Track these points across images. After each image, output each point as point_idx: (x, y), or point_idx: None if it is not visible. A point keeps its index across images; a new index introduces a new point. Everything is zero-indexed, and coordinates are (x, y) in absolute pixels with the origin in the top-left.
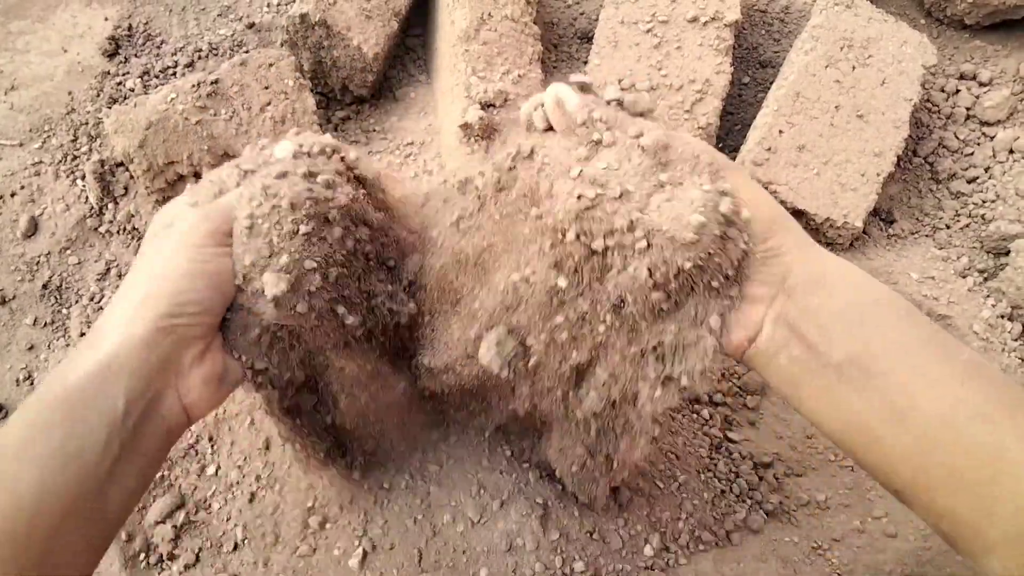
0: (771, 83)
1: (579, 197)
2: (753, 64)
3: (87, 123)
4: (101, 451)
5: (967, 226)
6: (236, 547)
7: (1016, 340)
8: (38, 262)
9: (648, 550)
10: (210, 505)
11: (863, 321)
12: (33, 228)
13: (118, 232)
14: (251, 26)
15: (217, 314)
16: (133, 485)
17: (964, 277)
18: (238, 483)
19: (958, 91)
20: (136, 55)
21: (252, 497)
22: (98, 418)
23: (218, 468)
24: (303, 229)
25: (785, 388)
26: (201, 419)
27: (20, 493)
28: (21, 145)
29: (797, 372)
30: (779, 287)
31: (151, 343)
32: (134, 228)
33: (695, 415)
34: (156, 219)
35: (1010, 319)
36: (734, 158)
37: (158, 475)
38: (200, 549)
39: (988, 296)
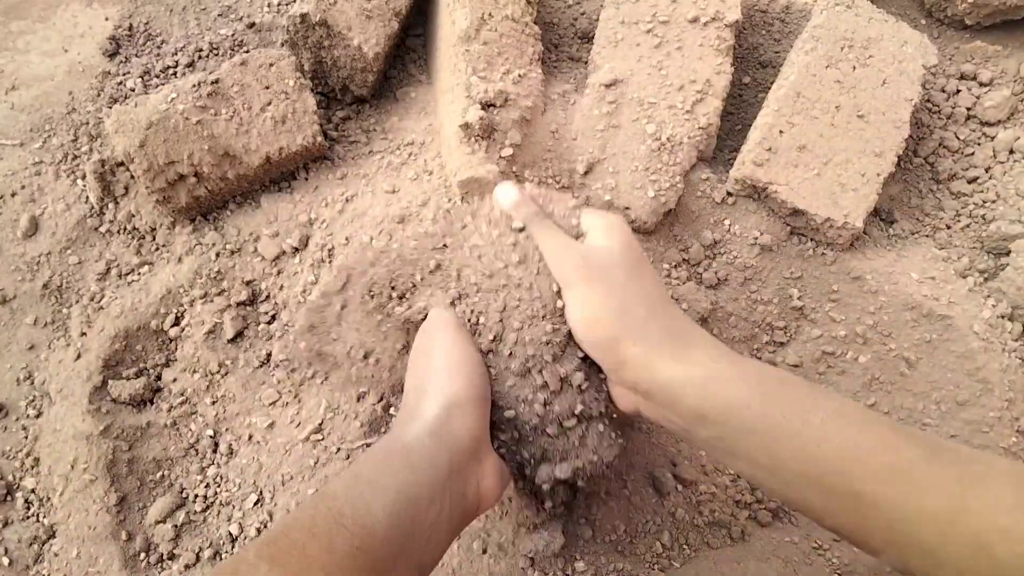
0: (771, 83)
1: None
2: (753, 64)
3: (88, 123)
4: (427, 503)
5: (967, 226)
6: (236, 547)
7: (1016, 340)
8: (38, 262)
9: (648, 550)
10: (210, 505)
11: (713, 417)
12: (33, 228)
13: (119, 232)
14: (252, 26)
15: (489, 398)
16: (436, 549)
17: (964, 277)
18: (239, 484)
19: (958, 91)
20: (137, 55)
21: (255, 499)
22: (432, 472)
23: (219, 468)
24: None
25: (719, 456)
26: (484, 511)
27: (376, 518)
28: (22, 145)
29: (684, 439)
30: (635, 391)
31: (470, 420)
32: (134, 228)
33: None
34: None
35: (1010, 319)
36: (734, 158)
37: (158, 474)
38: (200, 549)
39: (988, 296)
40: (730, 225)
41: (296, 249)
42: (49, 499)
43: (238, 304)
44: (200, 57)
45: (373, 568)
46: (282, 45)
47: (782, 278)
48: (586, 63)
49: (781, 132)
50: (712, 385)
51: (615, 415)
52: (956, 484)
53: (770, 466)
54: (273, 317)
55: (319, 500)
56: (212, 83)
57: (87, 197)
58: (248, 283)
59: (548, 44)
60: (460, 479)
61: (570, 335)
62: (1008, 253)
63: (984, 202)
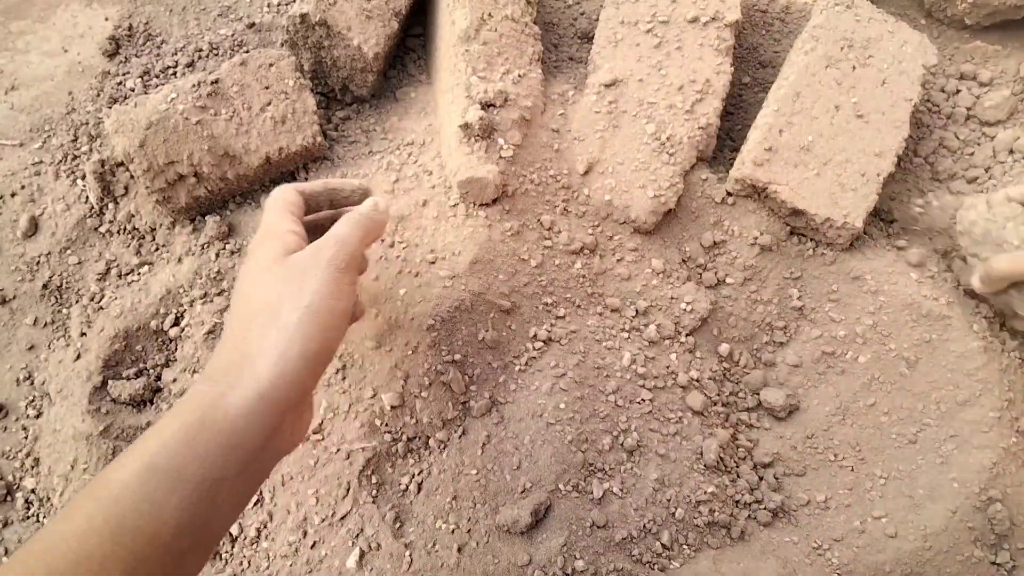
0: (771, 83)
1: None
2: (753, 64)
3: (87, 123)
4: (233, 479)
5: None
6: (235, 547)
7: (1016, 340)
8: (38, 262)
9: (648, 549)
10: None
11: None
12: (33, 228)
13: (118, 232)
14: (251, 26)
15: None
16: (234, 515)
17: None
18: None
19: (958, 91)
20: (136, 55)
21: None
22: (250, 446)
23: None
24: None
25: None
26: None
27: (165, 519)
28: (21, 145)
29: None
30: None
31: (301, 378)
32: (134, 228)
33: (696, 415)
34: (267, 243)
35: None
36: (734, 158)
37: None
38: None
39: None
40: (730, 225)
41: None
42: (49, 499)
43: None
44: (200, 57)
45: (154, 573)
46: (282, 45)
47: (782, 278)
48: (586, 63)
49: (781, 132)
50: None
51: None
52: None
53: None
54: None
55: (98, 501)
56: (212, 83)
57: (87, 197)
58: None
59: (548, 44)
60: (277, 439)
61: None
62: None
63: None
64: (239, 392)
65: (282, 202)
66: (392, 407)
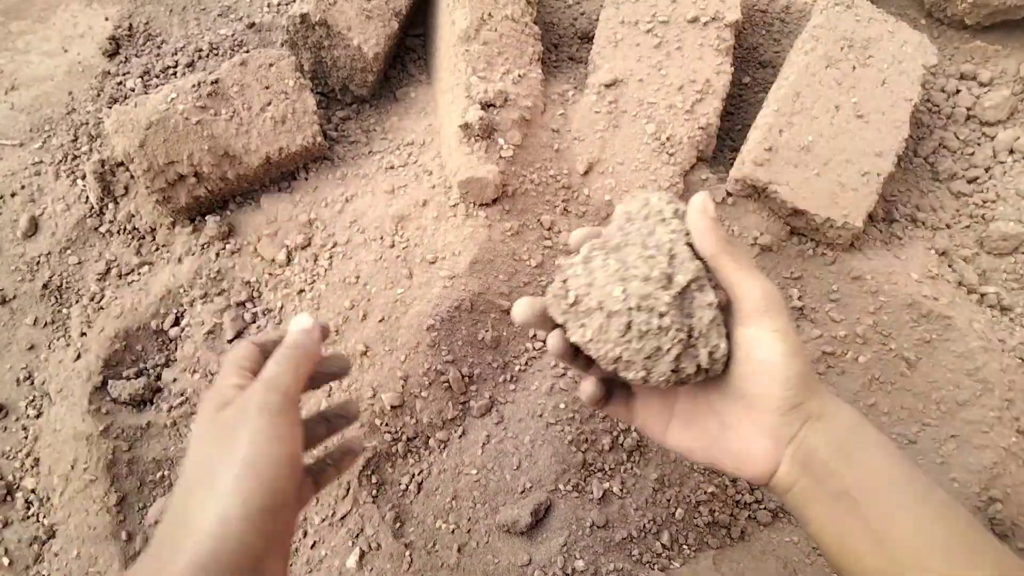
0: (771, 83)
1: None
2: (753, 64)
3: (87, 123)
4: None
5: (968, 226)
6: None
7: (1016, 340)
8: (38, 262)
9: (648, 549)
10: None
11: (858, 460)
12: (33, 228)
13: (118, 232)
14: (251, 26)
15: (298, 506)
16: None
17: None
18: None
19: (958, 91)
20: (136, 55)
21: None
22: None
23: None
24: None
25: (796, 513)
26: None
27: None
28: (21, 145)
29: (805, 500)
30: (797, 431)
31: (251, 538)
32: (134, 228)
33: None
34: (206, 403)
35: (1010, 319)
36: (734, 158)
37: (158, 474)
38: None
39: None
40: (730, 225)
41: (296, 249)
42: (49, 499)
43: (238, 304)
44: (200, 57)
45: None
46: (282, 45)
47: (782, 278)
48: (586, 63)
49: (781, 132)
50: (865, 426)
51: None
52: None
53: (883, 532)
54: (273, 317)
55: None
56: (212, 83)
57: (87, 197)
58: (248, 283)
59: (548, 44)
60: None
61: None
62: (1009, 253)
63: (984, 202)
64: (178, 569)
65: (231, 358)
66: (392, 407)
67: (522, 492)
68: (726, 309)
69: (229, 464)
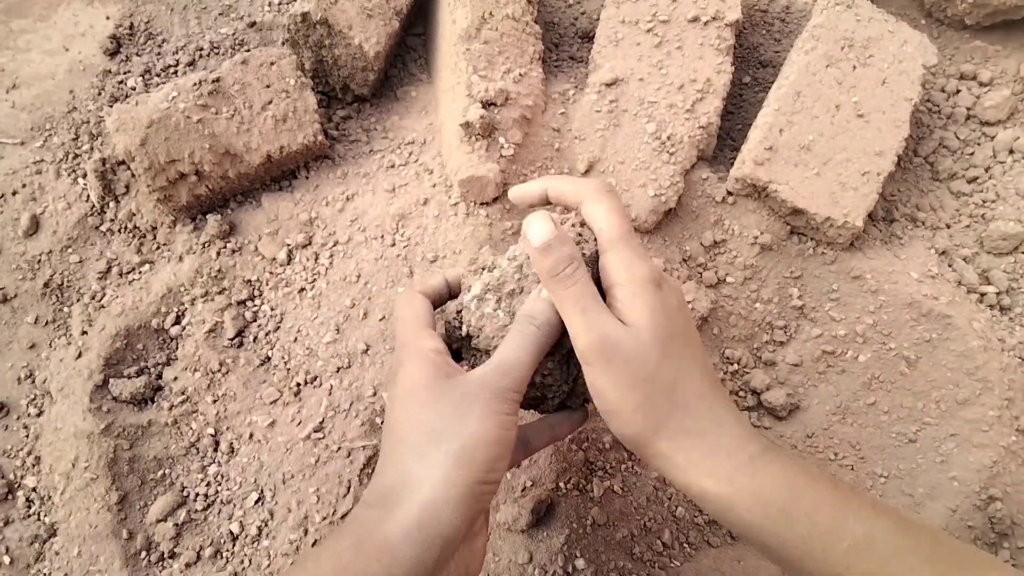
0: (771, 83)
1: None
2: (754, 64)
3: (88, 121)
4: None
5: (968, 226)
6: (236, 545)
7: (1016, 339)
8: (39, 260)
9: (648, 548)
10: (211, 503)
11: (736, 532)
12: (34, 226)
13: (119, 230)
14: (252, 25)
15: (500, 481)
16: None
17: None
18: (239, 483)
19: (958, 91)
20: (138, 54)
21: (256, 498)
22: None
23: (220, 467)
24: None
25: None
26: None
27: None
28: (22, 143)
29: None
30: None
31: (463, 509)
32: (135, 227)
33: None
34: (414, 365)
35: (1010, 319)
36: (735, 158)
37: (159, 472)
38: (201, 547)
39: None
40: (730, 224)
41: (297, 247)
42: (50, 498)
43: (239, 303)
44: (201, 56)
45: None
46: (283, 44)
47: (782, 277)
48: (586, 62)
49: (781, 131)
50: (735, 509)
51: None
52: None
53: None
54: (273, 316)
55: None
56: (213, 82)
57: (88, 196)
58: (249, 282)
59: (548, 43)
60: (446, 572)
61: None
62: (1009, 253)
63: (984, 202)
64: (398, 517)
65: (412, 316)
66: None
67: (523, 490)
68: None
69: (456, 435)
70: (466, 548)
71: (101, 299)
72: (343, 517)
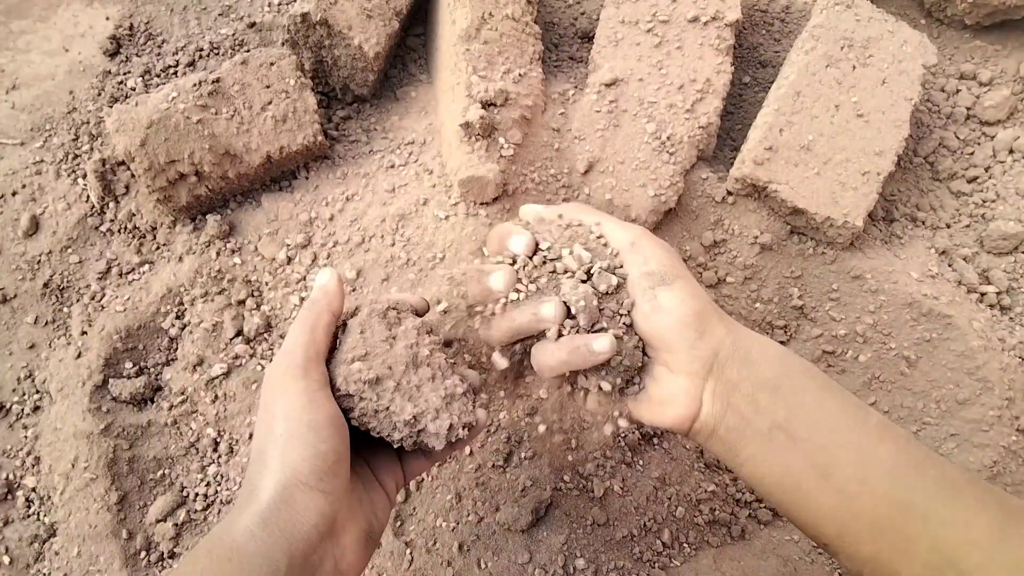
0: (771, 83)
1: None
2: (753, 64)
3: (88, 122)
4: None
5: (968, 226)
6: None
7: (1016, 339)
8: (39, 261)
9: (648, 548)
10: (211, 504)
11: (786, 391)
12: (34, 227)
13: (119, 231)
14: (252, 25)
15: (348, 459)
16: None
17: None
18: (239, 483)
19: (958, 91)
20: (137, 54)
21: None
22: (265, 573)
23: (219, 467)
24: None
25: (726, 456)
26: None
27: None
28: (22, 144)
29: (733, 440)
30: (712, 362)
31: (304, 502)
32: (135, 227)
33: None
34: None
35: (1010, 319)
36: (734, 157)
37: (159, 473)
38: None
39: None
40: (730, 224)
41: (297, 248)
42: (50, 498)
43: (238, 303)
44: (201, 56)
45: None
46: (283, 44)
47: (782, 277)
48: (586, 63)
49: (781, 131)
50: (791, 357)
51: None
52: (999, 510)
53: (825, 465)
54: (274, 315)
55: None
56: (213, 82)
57: (88, 196)
58: (248, 282)
59: (548, 44)
60: (306, 570)
61: None
62: (1009, 253)
63: (984, 201)
64: (243, 520)
65: (301, 346)
66: None
67: (522, 490)
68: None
69: (273, 444)
70: (331, 544)
71: (101, 299)
72: None
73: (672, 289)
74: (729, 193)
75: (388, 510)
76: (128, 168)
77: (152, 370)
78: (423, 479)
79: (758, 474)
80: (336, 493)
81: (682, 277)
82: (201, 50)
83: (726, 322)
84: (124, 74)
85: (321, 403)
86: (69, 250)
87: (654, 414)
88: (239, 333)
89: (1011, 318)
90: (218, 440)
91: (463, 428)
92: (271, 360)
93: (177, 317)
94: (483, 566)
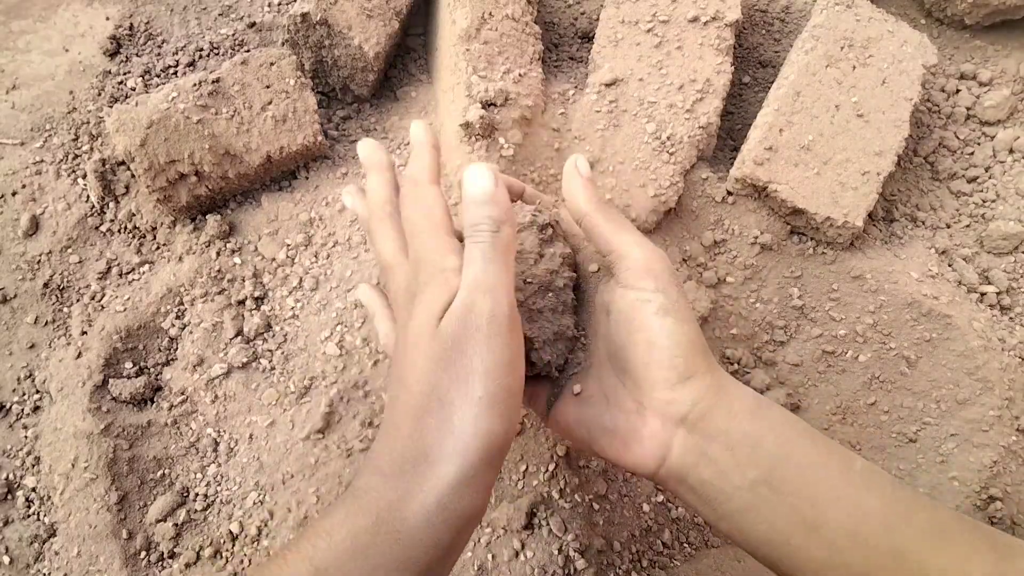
0: (771, 83)
1: None
2: (753, 64)
3: (88, 122)
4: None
5: (968, 226)
6: (236, 545)
7: (1016, 339)
8: (39, 261)
9: (649, 548)
10: (211, 504)
11: (769, 445)
12: (34, 227)
13: (119, 231)
14: (252, 25)
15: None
16: None
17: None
18: (239, 483)
19: (958, 91)
20: (137, 54)
21: (256, 498)
22: (429, 557)
23: (219, 467)
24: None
25: (701, 508)
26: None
27: None
28: (22, 144)
29: (709, 493)
30: (689, 412)
31: (482, 484)
32: (135, 227)
33: None
34: (405, 298)
35: (1010, 319)
36: (734, 158)
37: (159, 473)
38: (201, 547)
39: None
40: (730, 224)
41: (297, 248)
42: (50, 498)
43: (239, 303)
44: (201, 56)
45: None
46: (283, 44)
47: (782, 277)
48: (586, 63)
49: (781, 131)
50: (772, 408)
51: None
52: (991, 552)
53: (814, 520)
54: (273, 316)
55: None
56: (213, 82)
57: (88, 196)
58: (248, 282)
59: (548, 44)
60: (453, 557)
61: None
62: (1009, 253)
63: (984, 201)
64: (419, 498)
65: (428, 220)
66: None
67: (522, 490)
68: (599, 275)
69: (466, 400)
70: (482, 501)
71: (101, 299)
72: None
73: (666, 317)
74: (729, 193)
75: None
76: (128, 168)
77: (152, 370)
78: None
79: (740, 530)
80: (504, 456)
81: (678, 308)
82: (201, 50)
83: (712, 368)
84: (124, 74)
85: (522, 368)
86: (69, 250)
87: (617, 451)
88: (239, 333)
89: (1011, 318)
90: (218, 440)
91: (555, 369)
92: (272, 359)
93: (177, 317)
94: (482, 567)
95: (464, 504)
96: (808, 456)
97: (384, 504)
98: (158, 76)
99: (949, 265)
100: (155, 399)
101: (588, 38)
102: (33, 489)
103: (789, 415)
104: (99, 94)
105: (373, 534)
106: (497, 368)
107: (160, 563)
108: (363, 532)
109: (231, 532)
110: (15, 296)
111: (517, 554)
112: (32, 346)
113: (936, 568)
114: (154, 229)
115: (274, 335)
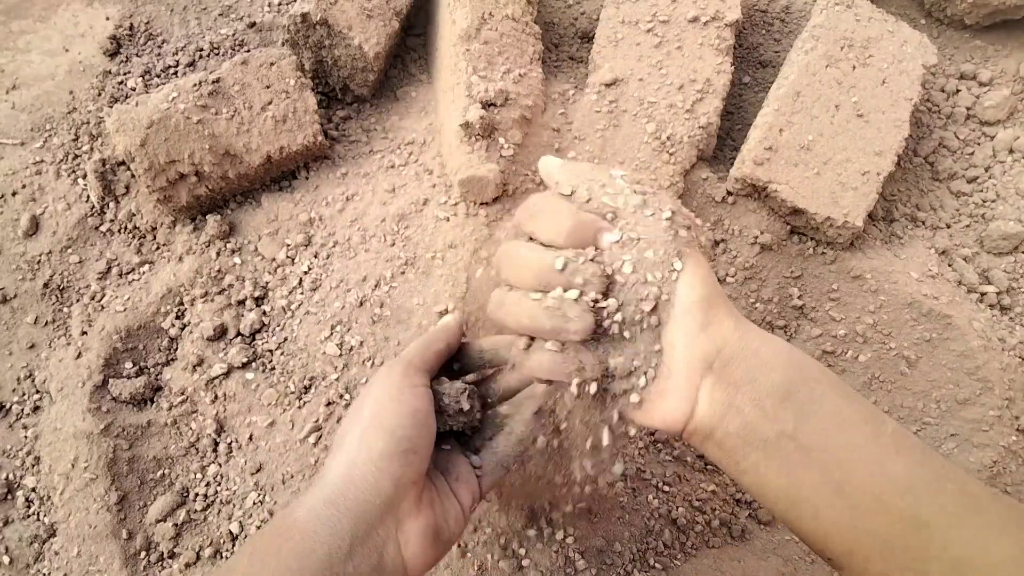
0: (771, 83)
1: None
2: (753, 64)
3: (88, 122)
4: None
5: (968, 226)
6: (236, 545)
7: (1016, 339)
8: (39, 261)
9: (649, 548)
10: (211, 504)
11: (799, 398)
12: (34, 227)
13: (119, 231)
14: (252, 25)
15: (425, 456)
16: None
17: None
18: (239, 483)
19: (958, 91)
20: (137, 54)
21: (255, 498)
22: (328, 549)
23: (219, 467)
24: None
25: (725, 462)
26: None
27: None
28: (22, 144)
29: (734, 446)
30: (713, 359)
31: (373, 487)
32: (135, 227)
33: None
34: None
35: (1010, 318)
36: (734, 157)
37: (159, 473)
38: (201, 547)
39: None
40: (730, 224)
41: (297, 248)
42: (50, 498)
43: (238, 303)
44: (201, 56)
45: None
46: (283, 44)
47: (782, 277)
48: (586, 63)
49: (781, 131)
50: (805, 360)
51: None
52: (1020, 530)
53: (839, 481)
54: (273, 316)
55: None
56: (213, 82)
57: (88, 196)
58: (248, 282)
59: (548, 44)
60: (370, 548)
61: None
62: (1009, 252)
63: (984, 201)
64: (309, 498)
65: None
66: None
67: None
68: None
69: (357, 423)
70: (393, 525)
71: (101, 299)
72: None
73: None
74: (729, 193)
75: (462, 522)
76: (128, 168)
77: (152, 370)
78: None
79: (761, 483)
80: (403, 481)
81: (691, 255)
82: (201, 50)
83: (734, 316)
84: (124, 74)
85: (410, 399)
86: (69, 250)
87: (645, 411)
88: (239, 333)
89: (1011, 318)
90: (218, 440)
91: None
92: (272, 359)
93: (177, 317)
94: (482, 567)
95: (349, 498)
96: (840, 415)
97: (279, 515)
98: (158, 76)
99: (949, 265)
100: (155, 399)
101: (588, 38)
102: (33, 489)
103: (823, 370)
104: (99, 94)
105: (263, 538)
106: (382, 396)
107: (160, 563)
108: (258, 539)
109: (231, 532)
110: (15, 296)
111: (517, 554)
112: (32, 346)
113: (960, 541)
114: (154, 229)
115: (274, 335)
